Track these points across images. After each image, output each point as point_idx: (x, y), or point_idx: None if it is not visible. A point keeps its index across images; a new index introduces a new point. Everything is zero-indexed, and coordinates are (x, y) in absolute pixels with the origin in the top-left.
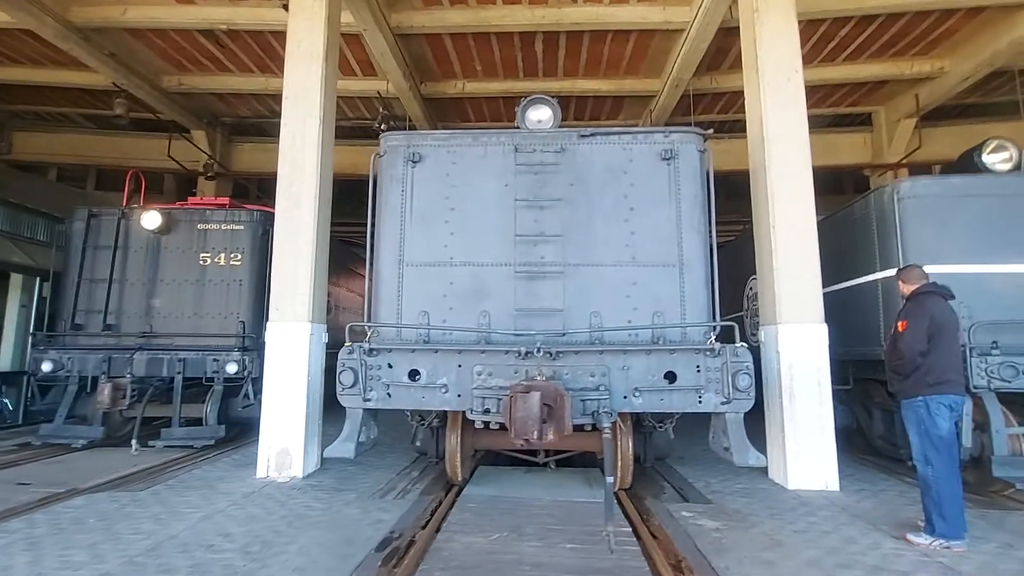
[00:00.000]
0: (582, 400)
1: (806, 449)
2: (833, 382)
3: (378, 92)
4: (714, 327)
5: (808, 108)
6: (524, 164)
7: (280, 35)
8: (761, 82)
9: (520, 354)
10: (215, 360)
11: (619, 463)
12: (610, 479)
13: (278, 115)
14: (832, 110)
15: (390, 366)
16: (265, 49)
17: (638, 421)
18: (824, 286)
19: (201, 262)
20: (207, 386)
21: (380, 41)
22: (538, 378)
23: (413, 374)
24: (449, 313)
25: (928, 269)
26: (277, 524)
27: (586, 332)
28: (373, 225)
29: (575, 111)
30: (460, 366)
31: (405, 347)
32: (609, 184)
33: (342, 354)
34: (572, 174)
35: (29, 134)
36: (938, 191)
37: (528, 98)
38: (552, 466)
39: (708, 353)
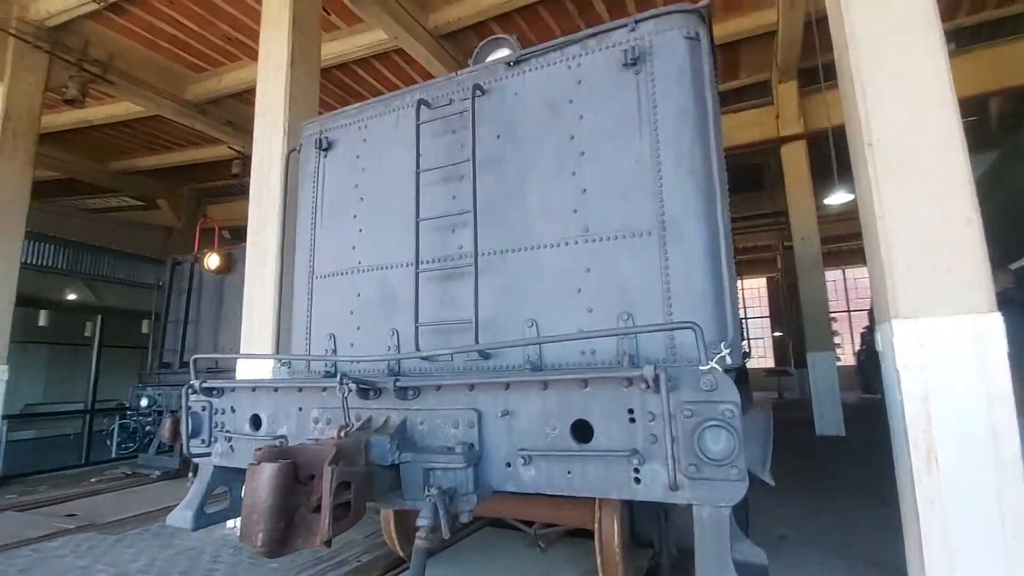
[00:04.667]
0: (427, 468)
1: (964, 552)
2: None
3: None
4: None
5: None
6: (437, 120)
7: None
8: None
9: (372, 392)
10: None
11: (601, 553)
12: None
13: None
14: None
15: (233, 410)
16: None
17: None
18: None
19: None
20: None
21: None
22: (337, 434)
23: (255, 421)
24: (356, 335)
25: None
26: None
27: (518, 347)
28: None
29: None
30: (300, 410)
31: (245, 384)
32: (549, 124)
33: (185, 393)
34: (499, 122)
35: (218, 205)
36: None
37: (483, 42)
38: (541, 546)
39: (646, 384)
